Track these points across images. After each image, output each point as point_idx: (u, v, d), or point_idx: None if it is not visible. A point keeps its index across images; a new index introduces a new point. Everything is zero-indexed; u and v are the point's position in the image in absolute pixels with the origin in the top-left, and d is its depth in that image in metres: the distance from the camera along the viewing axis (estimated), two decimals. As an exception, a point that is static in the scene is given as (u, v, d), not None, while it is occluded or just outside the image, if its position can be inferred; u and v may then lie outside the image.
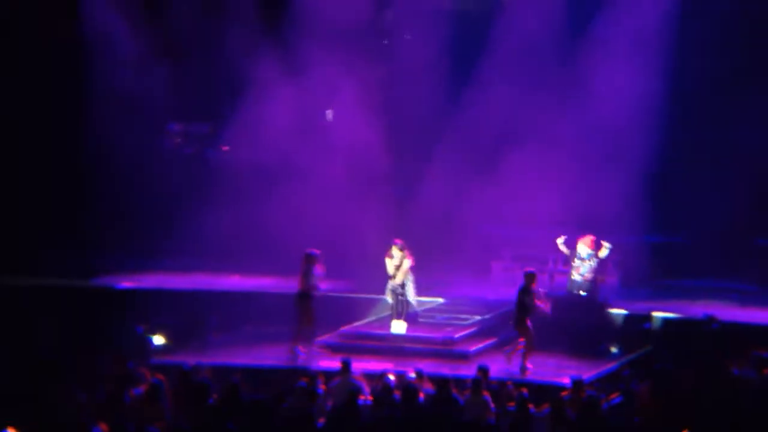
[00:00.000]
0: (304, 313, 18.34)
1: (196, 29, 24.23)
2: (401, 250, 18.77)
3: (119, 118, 23.42)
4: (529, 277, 17.85)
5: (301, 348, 18.31)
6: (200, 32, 24.25)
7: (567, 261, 19.34)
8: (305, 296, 18.40)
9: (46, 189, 23.44)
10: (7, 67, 23.30)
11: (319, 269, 18.41)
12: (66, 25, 23.41)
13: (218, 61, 24.29)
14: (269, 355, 18.50)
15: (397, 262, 18.72)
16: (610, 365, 18.11)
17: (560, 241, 19.04)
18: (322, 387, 15.32)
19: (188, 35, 24.17)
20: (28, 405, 12.80)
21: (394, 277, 18.76)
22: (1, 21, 23.24)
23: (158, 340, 18.60)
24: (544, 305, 17.92)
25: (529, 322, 17.69)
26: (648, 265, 22.50)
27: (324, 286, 18.96)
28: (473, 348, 18.68)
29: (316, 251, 18.51)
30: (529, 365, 17.58)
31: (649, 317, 19.36)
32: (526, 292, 17.74)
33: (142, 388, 13.94)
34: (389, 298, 18.82)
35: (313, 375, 16.01)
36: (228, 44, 24.09)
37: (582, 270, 18.90)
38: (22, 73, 23.33)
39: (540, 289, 18.03)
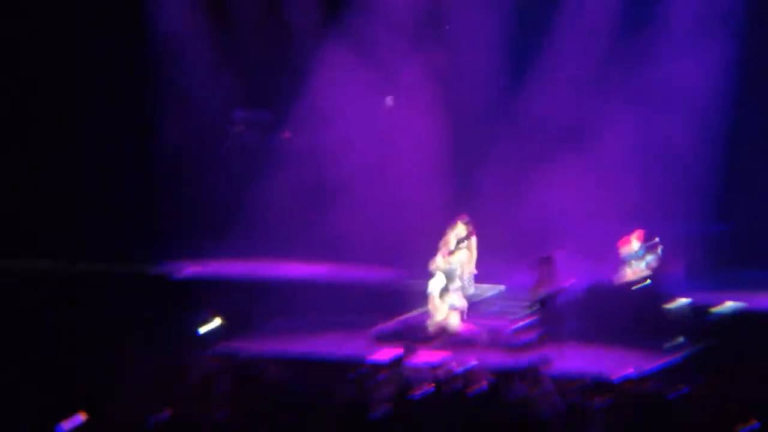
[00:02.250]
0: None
1: (258, 14, 24.29)
2: (467, 227, 18.53)
3: (184, 106, 23.55)
4: (547, 262, 17.54)
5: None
6: (262, 16, 24.29)
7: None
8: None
9: (112, 177, 23.58)
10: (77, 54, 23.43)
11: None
12: (130, 15, 23.52)
13: (281, 46, 24.29)
14: (324, 344, 18.39)
15: (463, 238, 18.43)
16: (673, 358, 17.81)
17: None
18: (380, 376, 15.21)
19: (250, 19, 24.25)
20: (94, 391, 12.86)
21: (452, 254, 18.46)
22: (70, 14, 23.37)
23: (213, 325, 18.57)
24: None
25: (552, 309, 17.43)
26: (714, 255, 22.12)
27: (384, 275, 18.83)
28: (531, 339, 18.46)
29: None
30: (557, 354, 17.38)
31: (714, 309, 19.01)
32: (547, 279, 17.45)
33: (199, 377, 13.95)
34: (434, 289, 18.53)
35: (368, 364, 15.93)
36: (290, 29, 24.08)
37: (639, 267, 18.63)
38: (88, 60, 23.49)
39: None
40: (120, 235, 22.89)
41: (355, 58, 23.53)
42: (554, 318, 17.50)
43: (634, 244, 18.73)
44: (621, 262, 18.98)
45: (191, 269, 21.66)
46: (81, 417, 11.61)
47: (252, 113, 25.76)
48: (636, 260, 18.77)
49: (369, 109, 24.18)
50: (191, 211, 23.15)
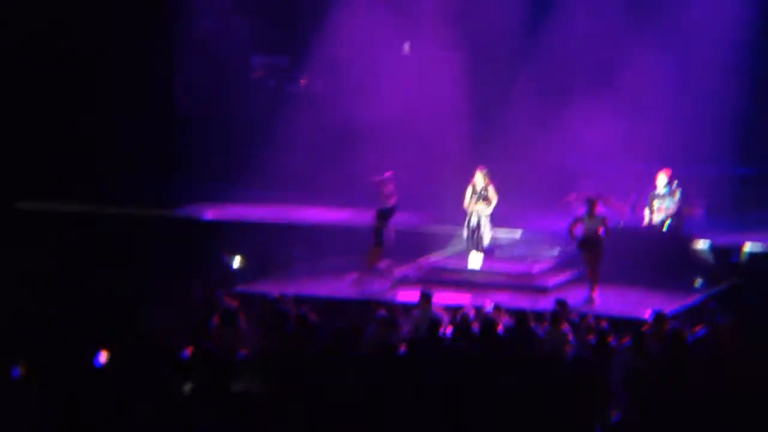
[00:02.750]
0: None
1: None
2: (485, 177, 18.52)
3: (204, 51, 23.51)
4: (590, 203, 17.53)
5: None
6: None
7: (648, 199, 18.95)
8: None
9: (133, 121, 23.63)
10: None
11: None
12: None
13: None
14: (347, 287, 18.45)
15: (481, 188, 18.44)
16: (695, 298, 17.79)
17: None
18: (400, 318, 15.29)
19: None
20: (121, 327, 13.01)
21: (475, 203, 18.47)
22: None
23: (237, 262, 18.65)
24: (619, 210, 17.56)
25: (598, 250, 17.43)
26: (735, 196, 22.06)
27: (407, 219, 18.81)
28: (552, 281, 18.51)
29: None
30: (595, 296, 17.39)
31: (735, 250, 18.97)
32: (591, 218, 17.44)
33: (224, 315, 14.07)
34: (465, 232, 18.62)
35: (393, 306, 15.99)
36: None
37: (665, 205, 18.56)
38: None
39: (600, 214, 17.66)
40: (144, 178, 22.97)
41: (371, 1, 23.40)
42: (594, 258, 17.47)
43: (660, 181, 18.66)
44: (645, 200, 18.89)
45: (213, 212, 21.74)
46: (102, 355, 11.76)
47: (271, 58, 25.69)
48: (660, 198, 18.69)
49: (387, 53, 24.07)
50: (213, 154, 23.19)
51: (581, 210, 17.77)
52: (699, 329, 15.15)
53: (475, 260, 18.76)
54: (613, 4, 22.73)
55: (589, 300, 17.41)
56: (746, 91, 22.19)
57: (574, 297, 17.17)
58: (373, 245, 18.32)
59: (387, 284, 18.23)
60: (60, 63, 23.53)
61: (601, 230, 17.49)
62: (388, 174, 18.47)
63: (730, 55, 22.16)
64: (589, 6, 22.87)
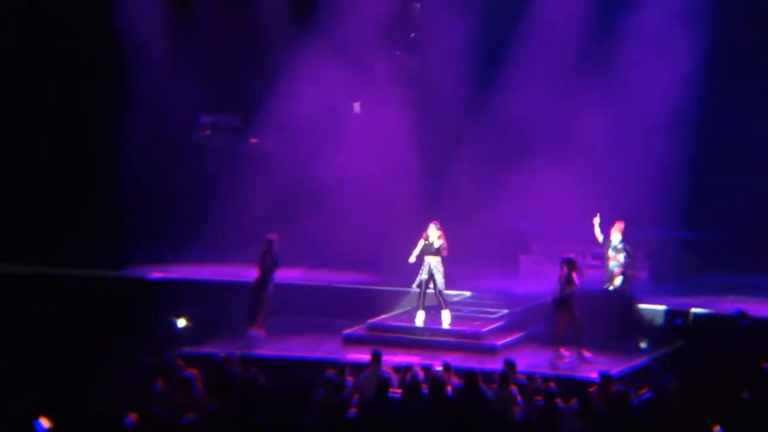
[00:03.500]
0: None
1: (225, 19, 24.26)
2: (438, 230, 18.68)
3: (150, 110, 23.47)
4: (570, 263, 17.65)
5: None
6: (229, 22, 24.27)
7: (598, 252, 19.12)
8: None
9: (80, 180, 23.48)
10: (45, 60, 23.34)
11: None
12: (96, 21, 23.39)
13: (247, 51, 24.27)
14: (298, 347, 18.45)
15: (433, 240, 18.61)
16: (640, 360, 17.96)
17: (596, 221, 18.88)
18: (349, 379, 15.28)
19: (217, 23, 24.21)
20: (60, 395, 12.85)
21: (428, 252, 18.59)
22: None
23: (182, 323, 18.55)
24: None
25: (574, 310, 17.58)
26: (679, 260, 22.35)
27: (357, 278, 18.83)
28: (501, 342, 18.59)
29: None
30: (586, 354, 17.49)
31: (680, 313, 19.18)
32: (569, 280, 17.57)
33: (175, 379, 13.95)
34: (416, 283, 18.70)
35: (341, 367, 15.97)
36: (257, 34, 24.08)
37: (619, 258, 18.76)
38: (59, 66, 23.40)
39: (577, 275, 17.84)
40: (90, 240, 22.78)
41: (324, 61, 23.58)
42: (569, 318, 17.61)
43: (614, 235, 18.86)
44: (601, 252, 19.06)
45: (159, 272, 21.64)
46: (44, 424, 11.60)
47: (218, 117, 25.73)
48: (615, 253, 18.85)
49: (339, 113, 24.23)
50: (160, 215, 23.10)
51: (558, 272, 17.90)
52: (645, 392, 15.27)
53: (445, 318, 18.79)
54: (563, 63, 23.07)
55: (582, 359, 17.47)
56: (695, 152, 22.54)
57: (523, 357, 17.26)
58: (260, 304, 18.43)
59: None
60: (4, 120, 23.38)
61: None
62: (275, 236, 18.63)
63: (672, 115, 22.53)
64: (539, 66, 23.20)
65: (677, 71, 22.48)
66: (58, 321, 18.26)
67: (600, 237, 18.95)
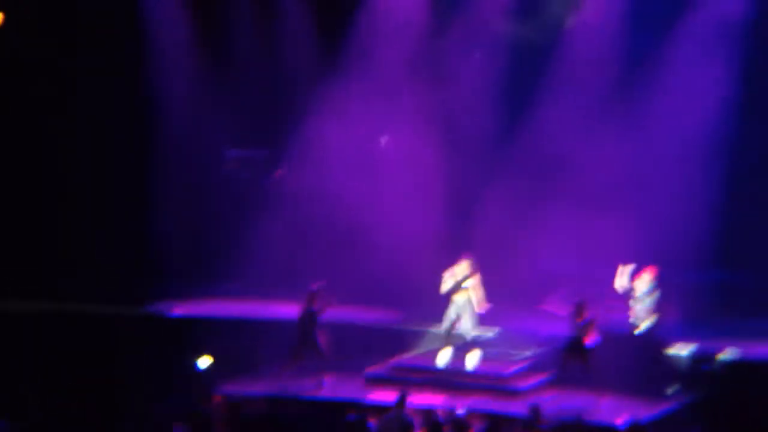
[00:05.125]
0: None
1: (254, 53, 24.25)
2: (470, 267, 18.37)
3: (179, 143, 23.46)
4: (578, 306, 17.43)
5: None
6: (258, 56, 24.25)
7: (626, 298, 18.82)
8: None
9: (102, 214, 23.43)
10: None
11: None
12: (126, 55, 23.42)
13: (276, 86, 24.23)
14: (322, 387, 18.19)
15: (462, 278, 18.32)
16: (669, 407, 17.60)
17: (626, 269, 18.59)
18: (372, 421, 15.05)
19: (246, 59, 24.21)
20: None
21: (457, 291, 18.31)
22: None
23: (204, 363, 18.29)
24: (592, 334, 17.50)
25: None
26: (711, 303, 21.97)
27: (376, 316, 18.62)
28: (525, 384, 18.28)
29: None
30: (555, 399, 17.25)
31: (710, 358, 18.81)
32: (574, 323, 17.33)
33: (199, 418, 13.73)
34: (446, 323, 18.42)
35: (363, 408, 15.75)
36: (286, 69, 24.05)
37: (645, 304, 18.47)
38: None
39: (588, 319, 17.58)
40: (115, 277, 22.67)
41: (352, 97, 23.50)
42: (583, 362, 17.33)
43: (645, 280, 18.55)
44: (628, 298, 18.77)
45: (187, 309, 21.47)
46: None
47: (246, 152, 25.67)
48: (644, 297, 18.56)
49: (366, 149, 24.11)
50: (186, 250, 22.98)
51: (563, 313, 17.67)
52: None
53: (471, 359, 18.50)
54: (589, 101, 22.86)
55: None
56: (723, 194, 22.22)
57: (547, 401, 16.95)
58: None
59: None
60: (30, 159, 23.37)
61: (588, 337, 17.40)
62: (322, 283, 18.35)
63: (700, 151, 22.25)
64: (568, 106, 23.01)
65: (707, 106, 22.20)
66: (81, 359, 18.12)
67: (624, 286, 18.61)
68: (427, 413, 15.43)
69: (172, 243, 22.83)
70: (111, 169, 23.40)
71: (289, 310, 21.12)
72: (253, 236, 23.15)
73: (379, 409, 15.77)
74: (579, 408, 17.06)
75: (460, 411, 15.30)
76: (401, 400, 15.31)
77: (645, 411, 16.77)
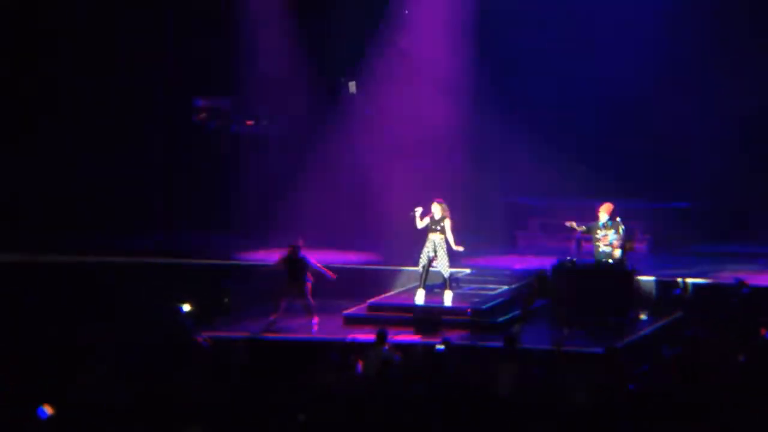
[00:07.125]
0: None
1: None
2: (443, 209, 18.63)
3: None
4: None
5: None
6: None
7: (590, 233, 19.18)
8: None
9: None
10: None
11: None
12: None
13: (241, 33, 24.29)
14: (299, 328, 18.52)
15: (438, 218, 18.60)
16: (640, 333, 18.07)
17: (573, 224, 18.96)
18: (355, 358, 15.36)
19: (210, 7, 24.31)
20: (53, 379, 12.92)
21: (432, 230, 18.59)
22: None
23: (186, 308, 18.49)
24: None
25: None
26: (676, 231, 22.46)
27: (355, 257, 18.81)
28: (501, 318, 18.68)
29: None
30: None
31: (678, 283, 19.26)
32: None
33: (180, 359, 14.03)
34: (422, 261, 18.70)
35: (345, 346, 16.07)
36: (250, 14, 24.13)
37: (609, 239, 18.78)
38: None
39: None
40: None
41: (315, 42, 23.67)
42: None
43: (602, 215, 18.86)
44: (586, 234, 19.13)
45: (170, 256, 21.71)
46: (47, 410, 11.64)
47: (214, 101, 25.77)
48: (604, 231, 18.86)
49: (331, 93, 24.31)
50: (163, 198, 23.24)
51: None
52: (641, 365, 15.35)
53: (422, 296, 18.86)
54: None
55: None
56: (679, 127, 22.65)
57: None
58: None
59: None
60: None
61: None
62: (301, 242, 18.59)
63: (661, 90, 22.60)
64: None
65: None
66: (56, 306, 18.39)
67: (583, 228, 18.97)
68: (407, 348, 15.76)
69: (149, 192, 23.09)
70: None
71: (266, 254, 21.48)
72: (228, 183, 23.49)
73: (361, 346, 16.08)
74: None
75: (439, 346, 15.61)
76: (382, 337, 15.63)
77: (617, 338, 17.19)
